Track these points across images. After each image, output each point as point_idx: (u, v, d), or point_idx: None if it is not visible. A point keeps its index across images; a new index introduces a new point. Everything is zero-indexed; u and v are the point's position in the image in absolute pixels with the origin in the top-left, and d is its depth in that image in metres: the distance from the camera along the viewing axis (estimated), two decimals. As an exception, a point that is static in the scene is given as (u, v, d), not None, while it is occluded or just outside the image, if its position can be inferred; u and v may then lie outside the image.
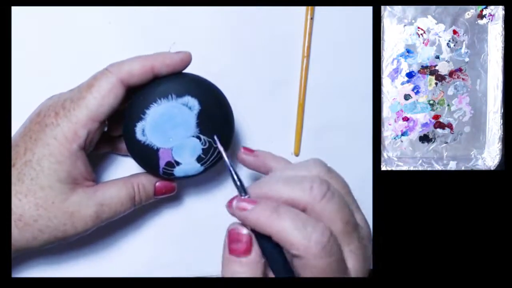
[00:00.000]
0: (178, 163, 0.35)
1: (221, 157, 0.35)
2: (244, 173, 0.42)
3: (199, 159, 0.35)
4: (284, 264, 0.29)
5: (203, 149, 0.35)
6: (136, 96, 0.33)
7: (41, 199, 0.31)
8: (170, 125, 0.34)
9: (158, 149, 0.34)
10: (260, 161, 0.35)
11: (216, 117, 0.34)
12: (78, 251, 0.41)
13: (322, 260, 0.27)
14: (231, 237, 0.29)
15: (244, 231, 0.29)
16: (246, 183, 0.31)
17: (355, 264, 0.29)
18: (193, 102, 0.33)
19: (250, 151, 0.36)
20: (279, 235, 0.27)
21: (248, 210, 0.28)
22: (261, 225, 0.28)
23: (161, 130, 0.34)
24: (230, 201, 0.30)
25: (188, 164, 0.35)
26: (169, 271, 0.42)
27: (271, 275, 0.31)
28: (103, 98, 0.32)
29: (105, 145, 0.39)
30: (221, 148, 0.34)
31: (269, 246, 0.29)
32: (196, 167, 0.35)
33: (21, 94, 0.38)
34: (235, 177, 0.30)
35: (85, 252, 0.41)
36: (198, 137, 0.34)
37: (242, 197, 0.30)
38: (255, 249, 0.29)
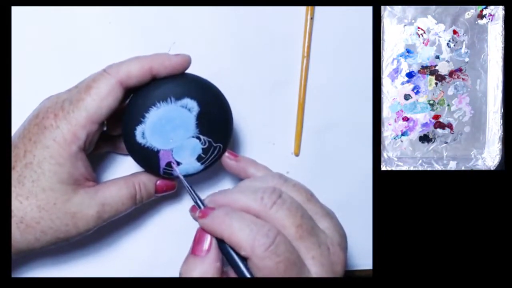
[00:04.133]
0: (178, 163, 0.35)
1: (221, 155, 0.36)
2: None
3: (199, 158, 0.35)
4: (244, 270, 0.30)
5: (203, 149, 0.35)
6: (135, 98, 0.33)
7: (43, 201, 0.31)
8: (169, 127, 0.34)
9: (158, 151, 0.34)
10: (241, 167, 0.36)
11: (215, 117, 0.34)
12: (78, 251, 0.41)
13: (268, 261, 0.28)
14: (195, 238, 0.31)
15: (208, 234, 0.31)
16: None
17: (318, 271, 0.29)
18: (192, 104, 0.33)
19: (234, 155, 0.36)
20: (229, 237, 0.29)
21: (207, 216, 0.30)
22: (215, 229, 0.30)
23: (161, 132, 0.34)
24: (194, 207, 0.32)
25: (188, 164, 0.35)
26: (169, 271, 0.42)
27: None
28: (102, 100, 0.31)
29: (105, 145, 0.39)
30: (180, 176, 0.35)
31: (229, 251, 0.30)
32: (196, 166, 0.35)
33: (21, 94, 0.38)
34: (192, 193, 0.33)
35: (84, 252, 0.41)
36: (198, 137, 0.34)
37: (203, 208, 0.32)
38: (213, 252, 0.30)
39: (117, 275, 0.41)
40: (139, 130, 0.33)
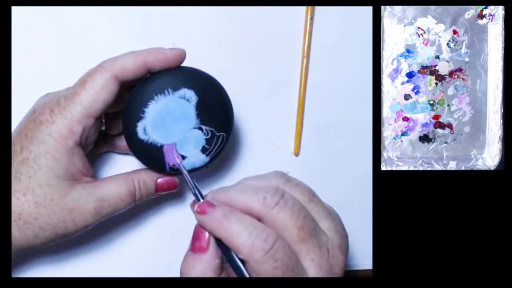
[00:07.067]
0: (183, 157, 0.35)
1: (225, 145, 0.35)
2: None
3: (203, 150, 0.35)
4: (243, 270, 0.30)
5: (206, 139, 0.35)
6: (133, 95, 0.33)
7: (40, 197, 0.31)
8: (170, 120, 0.33)
9: (162, 146, 0.34)
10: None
11: (214, 105, 0.34)
12: (79, 251, 0.41)
13: (265, 266, 0.27)
14: (194, 234, 0.31)
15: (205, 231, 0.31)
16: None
17: (315, 273, 0.29)
18: (190, 94, 0.33)
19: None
20: (227, 239, 0.29)
21: (205, 213, 0.30)
22: (213, 228, 0.29)
23: (162, 126, 0.33)
24: (194, 202, 0.32)
25: (193, 157, 0.35)
26: (170, 271, 0.42)
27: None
28: (97, 94, 0.32)
29: (104, 144, 0.39)
30: (181, 165, 0.34)
31: (227, 251, 0.30)
32: (202, 158, 0.35)
33: (21, 94, 0.38)
34: (192, 185, 0.32)
35: (85, 252, 0.41)
36: (200, 128, 0.34)
37: (202, 201, 0.31)
38: (211, 250, 0.30)
39: (117, 275, 0.41)
40: (140, 127, 0.33)
